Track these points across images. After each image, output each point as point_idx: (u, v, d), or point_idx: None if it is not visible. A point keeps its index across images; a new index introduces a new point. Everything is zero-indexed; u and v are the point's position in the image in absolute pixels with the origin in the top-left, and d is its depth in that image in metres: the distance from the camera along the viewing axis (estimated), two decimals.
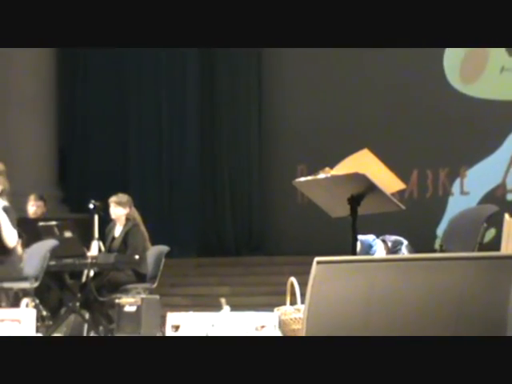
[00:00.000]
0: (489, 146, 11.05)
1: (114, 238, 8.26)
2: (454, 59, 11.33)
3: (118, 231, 8.26)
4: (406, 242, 6.95)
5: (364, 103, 11.62)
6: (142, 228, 8.25)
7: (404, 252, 6.90)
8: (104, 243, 8.31)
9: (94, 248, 8.20)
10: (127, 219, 8.20)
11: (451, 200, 11.32)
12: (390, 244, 6.96)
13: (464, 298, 3.16)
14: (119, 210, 8.17)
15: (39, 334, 6.17)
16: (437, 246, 9.03)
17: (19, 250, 7.71)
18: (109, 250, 8.19)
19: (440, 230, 10.64)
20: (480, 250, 5.23)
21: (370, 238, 6.86)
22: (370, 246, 6.87)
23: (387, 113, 11.52)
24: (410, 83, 11.36)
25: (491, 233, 6.47)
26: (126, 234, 8.15)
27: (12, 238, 6.88)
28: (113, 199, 8.18)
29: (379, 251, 6.86)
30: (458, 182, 11.36)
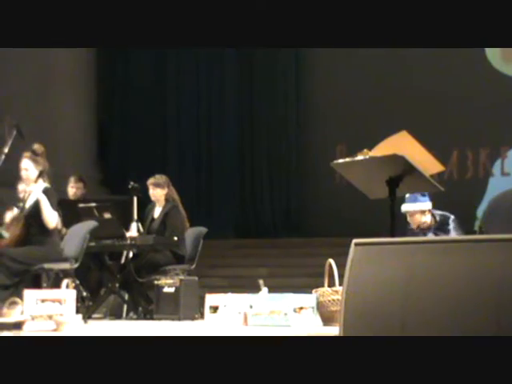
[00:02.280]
0: None
1: (153, 219, 8.31)
2: None
3: (157, 212, 8.30)
4: (452, 217, 6.94)
5: (404, 84, 11.54)
6: (181, 208, 8.27)
7: (451, 226, 6.88)
8: (143, 224, 8.35)
9: (133, 229, 8.24)
10: (166, 200, 8.24)
11: (492, 181, 11.22)
12: (437, 218, 6.95)
13: (505, 280, 3.13)
14: (157, 192, 8.21)
15: (79, 315, 6.22)
16: (477, 227, 8.96)
17: (63, 230, 7.79)
18: (148, 231, 8.24)
19: (480, 212, 10.55)
20: None
21: (447, 215, 6.92)
22: (447, 224, 6.87)
23: (427, 93, 11.42)
24: (450, 63, 11.25)
25: None
26: (165, 215, 8.19)
27: (52, 219, 6.94)
28: (150, 181, 8.23)
29: (453, 231, 6.86)
30: (498, 162, 11.24)
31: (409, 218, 7.02)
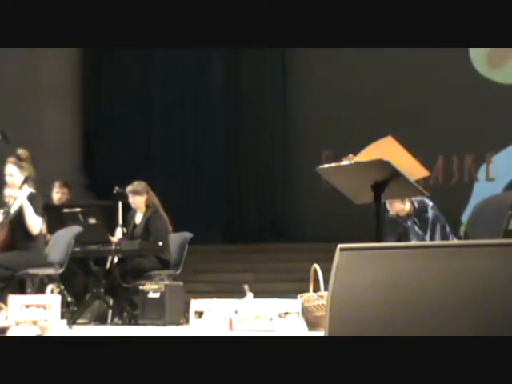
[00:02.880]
0: None
1: (135, 226, 8.29)
2: None
3: (138, 218, 8.29)
4: (431, 204, 6.91)
5: (389, 89, 11.56)
6: (162, 212, 8.26)
7: (430, 213, 6.86)
8: (126, 230, 8.34)
9: (118, 234, 8.23)
10: (147, 206, 8.23)
11: (477, 186, 11.26)
12: (416, 204, 6.92)
13: (489, 285, 3.14)
14: (137, 199, 8.20)
15: (64, 320, 6.20)
16: (462, 232, 8.98)
17: (47, 235, 7.76)
18: (131, 237, 8.22)
19: (465, 217, 10.58)
20: (505, 236, 5.19)
21: (426, 202, 6.84)
22: (425, 211, 6.82)
23: (413, 99, 11.45)
24: (436, 69, 11.29)
25: None
26: (148, 221, 8.18)
27: (36, 226, 6.91)
28: (129, 189, 8.21)
29: (432, 218, 6.81)
30: (483, 167, 11.28)
31: (388, 206, 6.96)
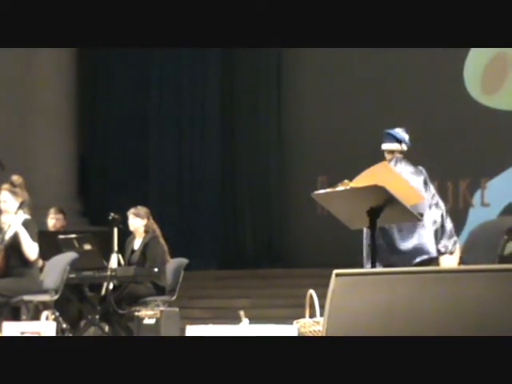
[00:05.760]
0: (510, 158, 10.98)
1: (133, 251, 8.28)
2: (474, 70, 11.29)
3: (137, 244, 8.28)
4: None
5: (384, 115, 11.60)
6: (161, 240, 8.26)
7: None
8: (123, 256, 8.32)
9: (114, 261, 8.21)
10: (146, 231, 8.23)
11: (472, 212, 11.26)
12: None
13: (484, 310, 3.13)
14: (137, 221, 8.21)
15: None
16: None
17: (39, 262, 7.73)
18: (128, 263, 8.21)
19: (460, 242, 10.57)
20: (500, 262, 5.20)
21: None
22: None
23: (407, 125, 11.46)
24: (431, 95, 11.33)
25: None
26: (145, 247, 8.17)
27: (33, 252, 6.90)
28: (131, 211, 8.26)
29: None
30: (478, 193, 11.29)
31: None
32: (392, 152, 6.51)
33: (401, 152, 6.50)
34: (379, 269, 5.27)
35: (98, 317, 7.84)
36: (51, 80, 12.04)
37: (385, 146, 6.57)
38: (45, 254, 7.80)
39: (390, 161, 6.35)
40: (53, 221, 9.08)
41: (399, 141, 6.57)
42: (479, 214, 10.86)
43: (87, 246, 7.81)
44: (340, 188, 4.92)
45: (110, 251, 8.25)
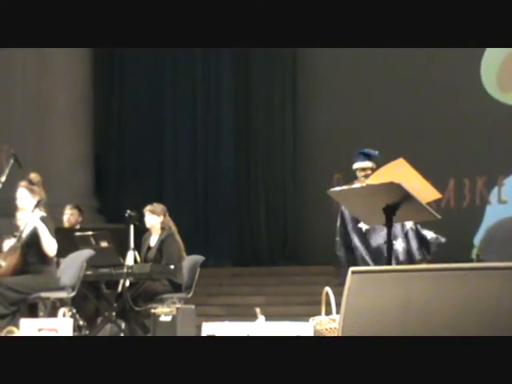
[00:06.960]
0: None
1: (149, 248, 8.30)
2: (491, 67, 11.25)
3: (153, 241, 8.30)
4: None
5: (401, 112, 11.57)
6: (178, 237, 8.28)
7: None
8: (140, 253, 8.34)
9: (130, 258, 8.23)
10: (162, 228, 8.25)
11: (489, 209, 11.22)
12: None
13: (501, 308, 3.12)
14: (153, 219, 8.23)
15: None
16: (474, 255, 8.95)
17: (54, 258, 7.76)
18: (145, 260, 8.22)
19: (477, 240, 10.53)
20: None
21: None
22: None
23: (424, 122, 11.45)
24: (448, 92, 11.29)
25: None
26: (161, 244, 8.19)
27: (52, 247, 6.92)
28: (147, 208, 8.28)
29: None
30: (495, 190, 11.25)
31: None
32: (364, 169, 6.79)
33: (372, 169, 6.72)
34: (395, 266, 5.27)
35: (114, 314, 7.86)
36: (67, 81, 12.12)
37: (356, 165, 6.86)
38: (61, 251, 7.83)
39: (362, 177, 6.65)
40: (69, 218, 9.12)
41: (371, 158, 6.80)
42: (496, 211, 10.81)
43: (104, 243, 7.83)
44: (356, 185, 4.91)
45: (126, 248, 8.27)
